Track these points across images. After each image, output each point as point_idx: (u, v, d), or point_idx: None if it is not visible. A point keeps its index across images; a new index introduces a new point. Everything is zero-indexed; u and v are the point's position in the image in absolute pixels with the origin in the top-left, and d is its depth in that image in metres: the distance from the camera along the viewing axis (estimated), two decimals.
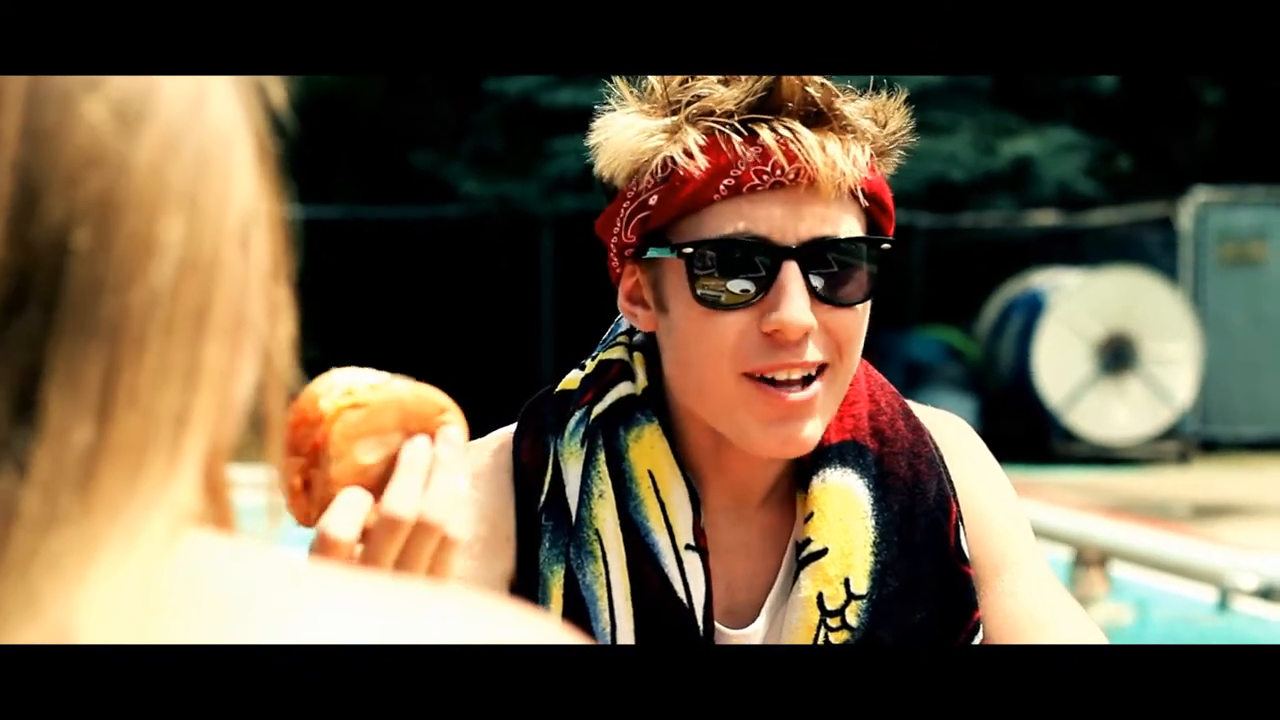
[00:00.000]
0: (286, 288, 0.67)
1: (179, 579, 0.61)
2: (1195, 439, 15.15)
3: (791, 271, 1.46)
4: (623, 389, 1.56)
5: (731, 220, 1.47)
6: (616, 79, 1.51)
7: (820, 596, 1.52)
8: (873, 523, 1.55)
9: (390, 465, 1.09)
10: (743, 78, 1.47)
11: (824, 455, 1.56)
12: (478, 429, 1.67)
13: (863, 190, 1.48)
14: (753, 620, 1.56)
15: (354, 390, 1.09)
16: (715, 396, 1.50)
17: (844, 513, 1.54)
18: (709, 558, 1.53)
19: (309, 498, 1.08)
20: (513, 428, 1.60)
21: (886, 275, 1.53)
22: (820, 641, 1.52)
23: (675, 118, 1.48)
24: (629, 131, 1.50)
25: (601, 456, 1.54)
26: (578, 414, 1.56)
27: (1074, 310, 14.58)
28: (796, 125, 1.46)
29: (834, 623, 1.52)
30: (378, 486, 1.08)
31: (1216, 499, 11.90)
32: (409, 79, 17.71)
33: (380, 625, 0.62)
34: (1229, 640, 7.57)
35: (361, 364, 1.13)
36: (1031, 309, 15.06)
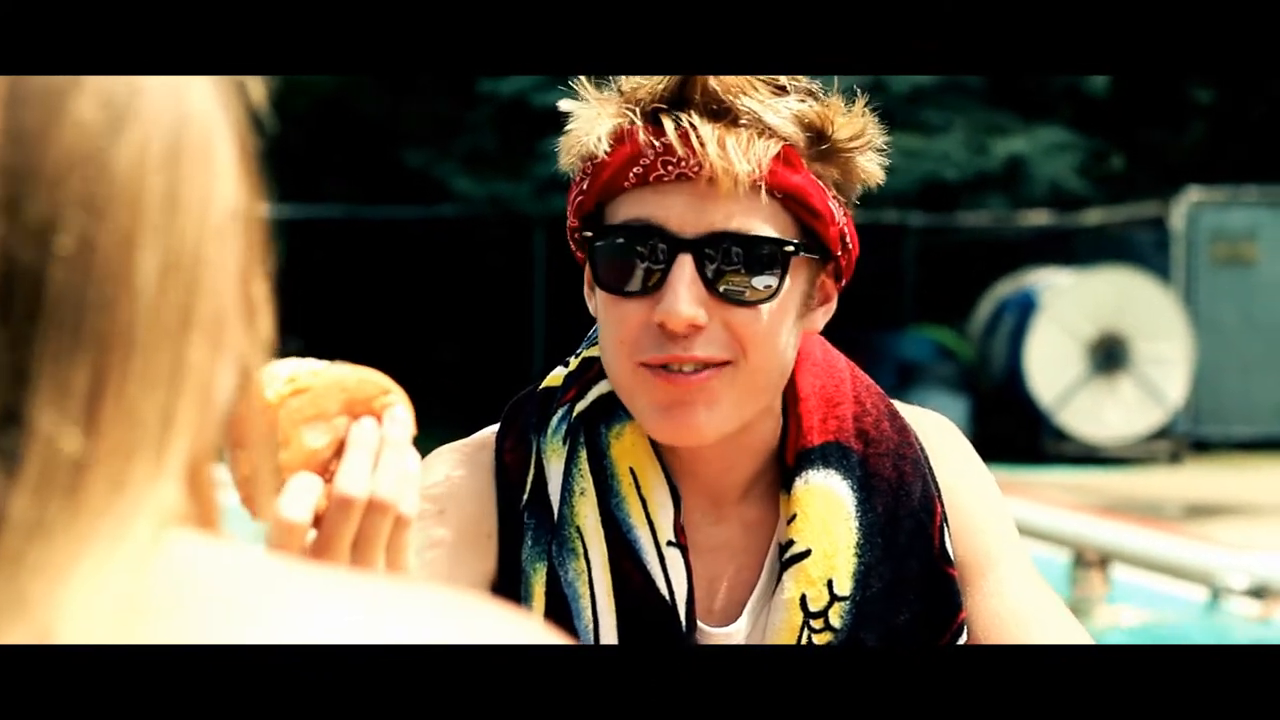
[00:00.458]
0: (266, 286, 0.67)
1: (163, 580, 0.61)
2: (1187, 439, 15.17)
3: (683, 263, 1.46)
4: (604, 386, 1.56)
5: (636, 208, 1.48)
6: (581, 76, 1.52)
7: (803, 598, 1.52)
8: (856, 524, 1.55)
9: (338, 449, 1.09)
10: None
11: (807, 457, 1.56)
12: (471, 428, 1.67)
13: (780, 190, 1.47)
14: (735, 619, 1.56)
15: (296, 377, 1.10)
16: (620, 383, 1.51)
17: (827, 514, 1.54)
18: (690, 554, 1.53)
19: (260, 489, 1.08)
20: (495, 428, 1.60)
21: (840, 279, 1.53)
22: (803, 643, 1.52)
23: (603, 108, 1.50)
24: (574, 122, 1.52)
25: (583, 454, 1.54)
26: (560, 411, 1.57)
27: (1066, 310, 14.60)
28: (697, 119, 1.45)
29: (817, 624, 1.52)
30: (327, 471, 1.09)
31: (1208, 499, 11.92)
32: (403, 80, 17.71)
33: (364, 625, 0.62)
34: (1219, 640, 7.58)
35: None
36: (1024, 308, 15.08)
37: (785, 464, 1.57)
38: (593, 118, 1.50)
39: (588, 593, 1.52)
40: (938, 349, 15.80)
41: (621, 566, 1.52)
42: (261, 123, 0.66)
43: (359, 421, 1.10)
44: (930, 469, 1.60)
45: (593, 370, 1.57)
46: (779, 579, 1.54)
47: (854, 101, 1.51)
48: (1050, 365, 14.61)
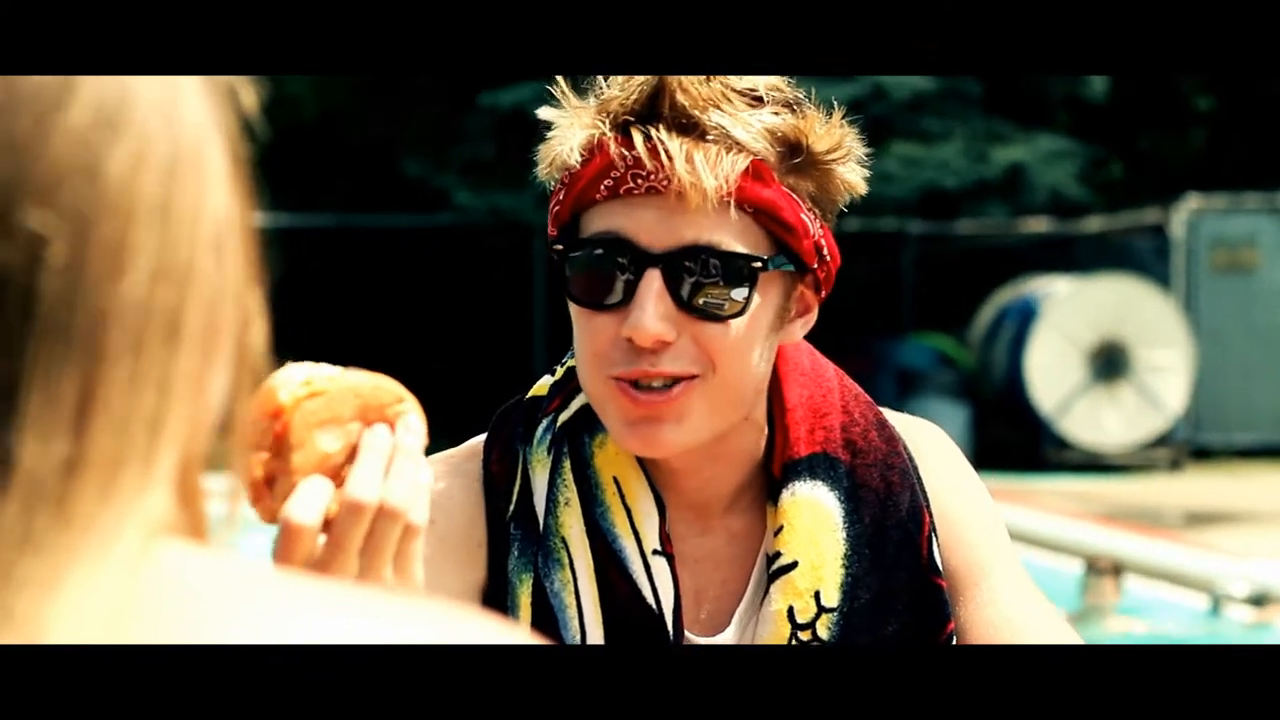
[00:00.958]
0: (259, 294, 0.67)
1: (151, 589, 0.61)
2: (1187, 446, 15.16)
3: (652, 278, 1.46)
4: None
5: (606, 221, 1.48)
6: (561, 80, 1.51)
7: (791, 610, 1.52)
8: (844, 535, 1.54)
9: (351, 455, 1.09)
10: (636, 80, 1.47)
11: (794, 468, 1.55)
12: (470, 438, 1.67)
13: (750, 205, 1.46)
14: (722, 629, 1.56)
15: (312, 380, 1.10)
16: (591, 395, 1.51)
17: (814, 526, 1.54)
18: (676, 564, 1.53)
19: (272, 493, 1.08)
20: (483, 437, 1.60)
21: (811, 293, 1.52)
22: None
23: (578, 117, 1.49)
24: (553, 131, 1.52)
25: (567, 464, 1.54)
26: (545, 421, 1.57)
27: (1066, 317, 14.59)
28: (665, 133, 1.44)
29: (805, 636, 1.52)
30: (339, 476, 1.09)
31: (1208, 506, 11.91)
32: (404, 91, 17.71)
33: (350, 634, 0.62)
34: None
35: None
36: (1024, 316, 15.08)
37: (772, 475, 1.57)
38: (568, 127, 1.50)
39: (574, 603, 1.52)
40: (938, 357, 15.79)
41: (607, 576, 1.52)
42: (254, 130, 0.66)
43: (372, 428, 1.10)
44: (919, 479, 1.59)
45: (576, 379, 1.57)
46: (766, 590, 1.54)
47: (832, 114, 1.50)
48: (1050, 373, 14.60)
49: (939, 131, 16.63)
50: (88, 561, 0.59)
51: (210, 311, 0.64)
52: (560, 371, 1.60)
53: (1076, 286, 14.88)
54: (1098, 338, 14.50)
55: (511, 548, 1.54)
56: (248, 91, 0.67)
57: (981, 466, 1.68)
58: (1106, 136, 17.93)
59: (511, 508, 1.55)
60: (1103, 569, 7.84)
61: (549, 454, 1.55)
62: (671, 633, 1.52)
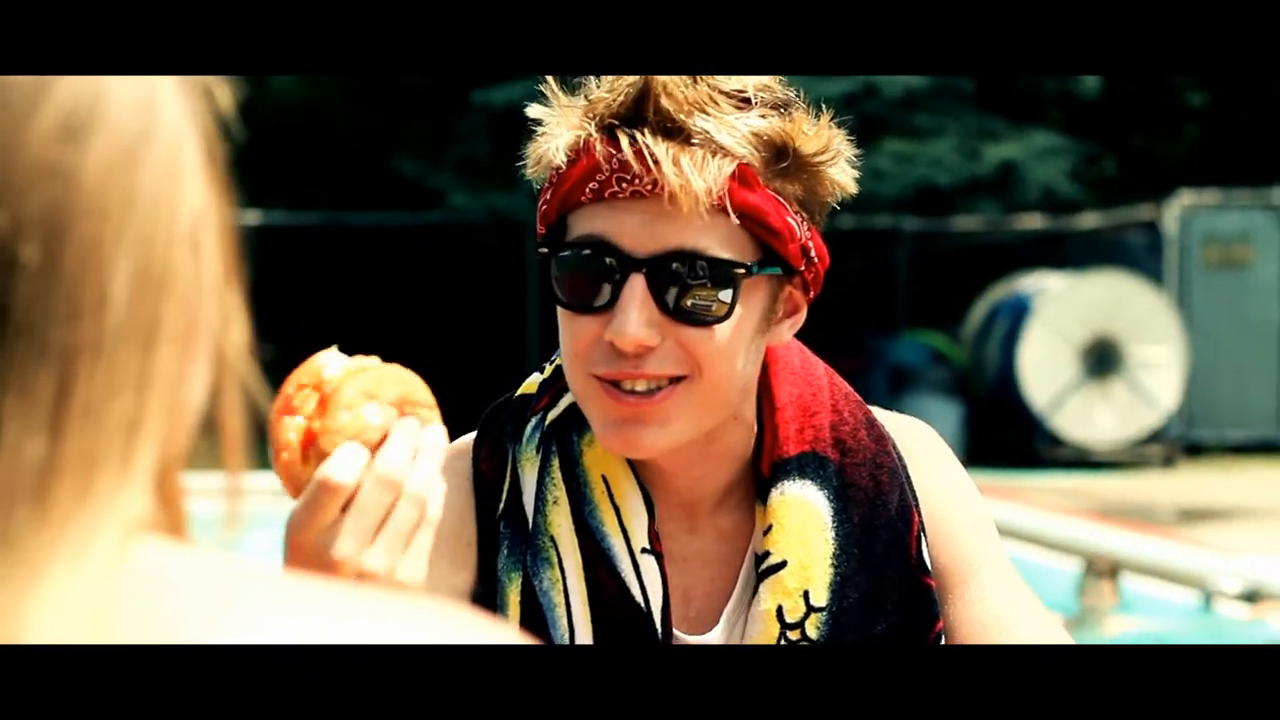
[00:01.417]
0: (238, 292, 0.67)
1: (130, 588, 0.61)
2: (1180, 442, 15.18)
3: (635, 283, 1.45)
4: None
5: (591, 224, 1.47)
6: (550, 79, 1.51)
7: (780, 609, 1.52)
8: (833, 535, 1.54)
9: (381, 440, 1.15)
10: (623, 82, 1.46)
11: (783, 467, 1.55)
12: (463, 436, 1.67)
13: (735, 209, 1.45)
14: (711, 628, 1.56)
15: (359, 358, 1.18)
16: (576, 393, 1.52)
17: (803, 525, 1.54)
18: (665, 562, 1.53)
19: (304, 457, 1.14)
20: (473, 435, 1.60)
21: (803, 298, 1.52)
22: None
23: (566, 117, 1.49)
24: (542, 130, 1.51)
25: (556, 462, 1.54)
26: (534, 419, 1.57)
27: (1059, 314, 14.60)
28: (650, 137, 1.44)
29: (794, 635, 1.52)
30: (370, 453, 1.14)
31: (1201, 502, 11.93)
32: (398, 89, 17.71)
33: (334, 633, 0.62)
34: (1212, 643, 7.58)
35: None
36: (1017, 313, 15.09)
37: (761, 474, 1.56)
38: (555, 126, 1.50)
39: (563, 601, 1.52)
40: (931, 354, 15.80)
41: (596, 575, 1.51)
42: (230, 130, 0.66)
43: (404, 419, 1.15)
44: (908, 477, 1.59)
45: (565, 378, 1.57)
46: (755, 589, 1.54)
47: (820, 115, 1.50)
48: (1043, 369, 14.61)
49: (932, 128, 16.64)
50: (65, 560, 0.59)
51: (188, 311, 0.63)
52: (549, 369, 1.60)
53: (1069, 283, 14.89)
54: (1090, 334, 14.51)
55: (501, 546, 1.54)
56: (224, 91, 0.66)
57: (974, 463, 1.68)
58: (1099, 133, 17.94)
59: (501, 506, 1.55)
60: (1100, 571, 7.84)
61: (538, 452, 1.55)
62: (660, 631, 1.52)
